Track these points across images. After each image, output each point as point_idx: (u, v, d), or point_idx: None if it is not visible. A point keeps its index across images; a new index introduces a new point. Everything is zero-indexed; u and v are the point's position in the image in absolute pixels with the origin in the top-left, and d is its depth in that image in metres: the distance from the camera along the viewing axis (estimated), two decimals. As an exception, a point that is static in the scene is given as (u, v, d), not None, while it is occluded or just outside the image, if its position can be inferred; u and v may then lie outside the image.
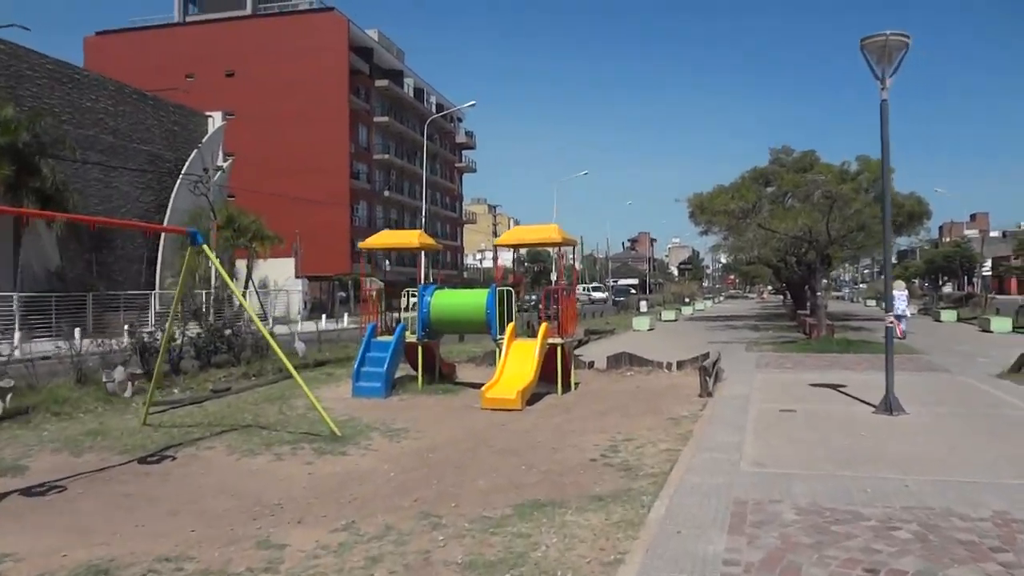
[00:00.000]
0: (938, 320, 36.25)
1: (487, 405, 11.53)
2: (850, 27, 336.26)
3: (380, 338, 13.87)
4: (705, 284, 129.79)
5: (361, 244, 14.53)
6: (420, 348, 13.81)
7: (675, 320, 39.87)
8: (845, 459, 7.74)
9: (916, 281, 66.66)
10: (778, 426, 9.65)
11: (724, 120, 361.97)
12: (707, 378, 12.45)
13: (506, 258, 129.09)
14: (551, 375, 13.12)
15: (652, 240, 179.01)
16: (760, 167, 39.77)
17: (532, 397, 12.22)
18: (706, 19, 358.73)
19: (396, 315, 14.77)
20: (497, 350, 12.92)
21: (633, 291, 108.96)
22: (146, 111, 40.33)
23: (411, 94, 76.16)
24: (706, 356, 15.84)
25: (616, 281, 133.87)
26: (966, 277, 72.09)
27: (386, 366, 13.05)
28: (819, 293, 22.48)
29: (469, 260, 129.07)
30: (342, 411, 11.52)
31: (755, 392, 12.66)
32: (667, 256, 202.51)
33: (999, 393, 12.40)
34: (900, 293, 28.17)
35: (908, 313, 29.41)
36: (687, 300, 59.64)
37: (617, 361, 16.51)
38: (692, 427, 9.68)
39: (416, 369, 14.33)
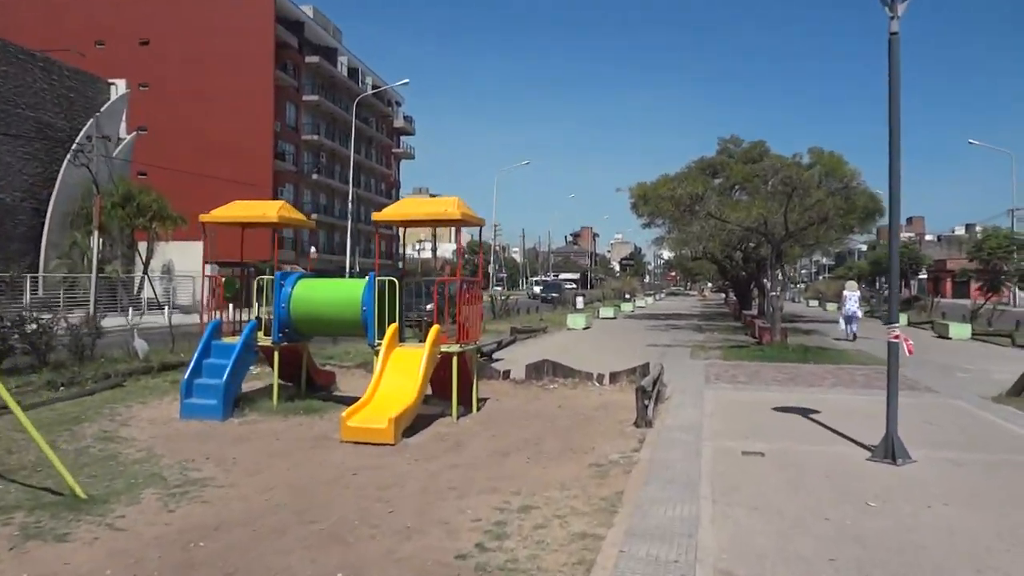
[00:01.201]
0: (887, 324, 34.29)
1: (349, 436, 8.44)
2: (806, 19, 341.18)
3: (226, 339, 10.65)
4: (647, 280, 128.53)
5: (202, 217, 11.23)
6: (277, 353, 10.63)
7: (614, 318, 37.25)
8: (862, 559, 4.89)
9: (861, 283, 65.74)
10: (745, 484, 6.77)
11: (672, 115, 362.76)
12: (645, 403, 9.54)
13: (444, 249, 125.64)
14: (449, 390, 10.13)
15: (595, 235, 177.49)
16: (708, 157, 37.51)
17: (416, 422, 9.18)
18: (653, 10, 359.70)
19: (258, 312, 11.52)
20: (375, 360, 9.79)
21: (571, 286, 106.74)
22: (34, 73, 35.95)
23: (345, 73, 72.16)
24: (646, 368, 12.99)
25: (555, 275, 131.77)
26: (903, 280, 71.36)
27: (225, 377, 9.83)
28: (774, 293, 19.94)
29: (409, 251, 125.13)
30: (146, 441, 8.31)
31: (708, 420, 9.81)
32: (610, 252, 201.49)
33: (1011, 426, 9.77)
34: (852, 294, 26.14)
35: (859, 315, 27.26)
36: (627, 296, 57.29)
37: (538, 371, 13.54)
38: (624, 484, 6.73)
39: (288, 379, 11.20)
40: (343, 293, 10.50)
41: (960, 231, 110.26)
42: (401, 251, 79.66)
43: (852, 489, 6.61)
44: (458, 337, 10.30)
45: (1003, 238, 29.79)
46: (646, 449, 8.01)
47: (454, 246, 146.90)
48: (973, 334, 25.95)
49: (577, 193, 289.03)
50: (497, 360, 17.38)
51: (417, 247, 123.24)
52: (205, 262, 11.62)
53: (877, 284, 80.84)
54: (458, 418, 9.90)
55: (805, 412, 10.39)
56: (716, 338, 24.85)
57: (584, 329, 28.67)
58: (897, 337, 7.97)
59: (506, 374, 13.66)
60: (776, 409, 10.66)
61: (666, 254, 79.18)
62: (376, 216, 10.47)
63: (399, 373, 9.31)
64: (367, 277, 10.20)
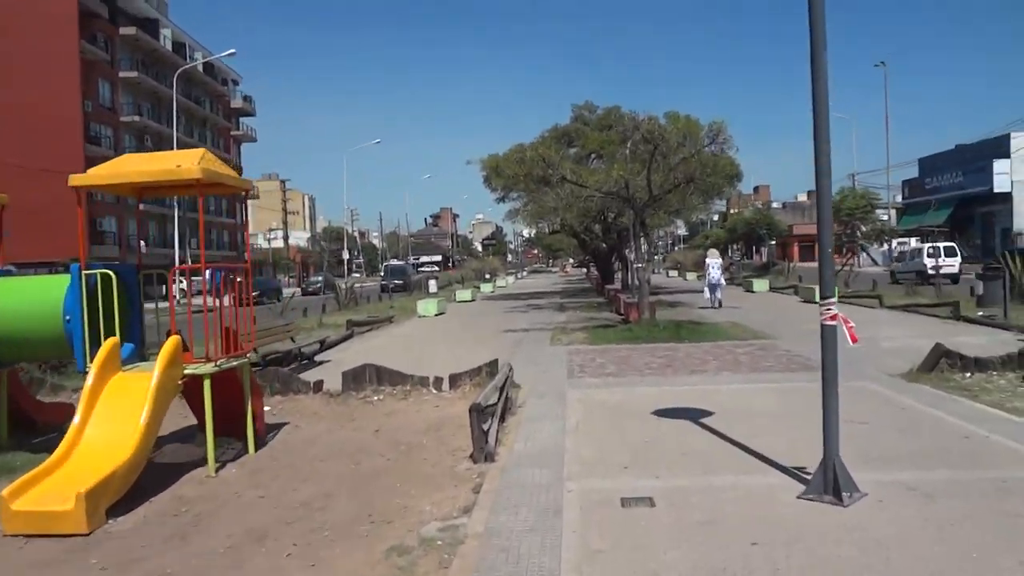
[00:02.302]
0: (750, 290, 33.47)
1: (16, 528, 5.28)
2: None
3: None
4: (510, 259, 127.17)
5: (74, 179, 7.12)
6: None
7: (471, 300, 34.65)
8: None
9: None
10: (635, 572, 4.15)
11: (527, 88, 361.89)
12: (484, 427, 6.80)
13: (298, 237, 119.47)
14: (233, 423, 7.10)
15: (455, 216, 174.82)
16: (562, 125, 35.47)
17: (155, 480, 6.10)
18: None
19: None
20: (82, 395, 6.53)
21: (433, 268, 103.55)
22: None
23: (170, 47, 65.67)
24: (494, 367, 10.32)
25: (417, 258, 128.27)
26: (754, 246, 72.98)
27: None
28: (639, 265, 17.79)
29: (259, 240, 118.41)
30: None
31: (571, 440, 7.22)
32: (471, 233, 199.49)
33: (954, 420, 7.72)
34: (715, 262, 25.28)
35: (723, 282, 26.02)
36: (487, 277, 54.97)
37: (358, 379, 10.60)
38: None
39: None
40: (33, 297, 7.12)
41: (803, 198, 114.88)
42: (284, 243, 73.29)
43: (798, 566, 4.12)
44: (223, 348, 7.23)
45: (859, 198, 29.23)
46: (479, 511, 5.26)
47: (307, 233, 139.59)
48: (839, 297, 25.00)
49: (434, 173, 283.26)
50: (322, 363, 14.32)
51: (269, 235, 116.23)
52: (26, 263, 7.96)
53: (730, 252, 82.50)
54: (217, 470, 6.83)
55: (695, 416, 8.00)
56: (579, 317, 22.64)
57: (436, 316, 25.87)
58: (834, 318, 5.56)
59: (318, 386, 10.64)
60: (658, 413, 8.21)
61: (525, 231, 77.56)
62: (75, 180, 7.02)
63: (113, 413, 6.16)
64: (71, 272, 6.86)
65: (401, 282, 44.23)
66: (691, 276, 46.91)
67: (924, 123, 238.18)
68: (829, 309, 5.50)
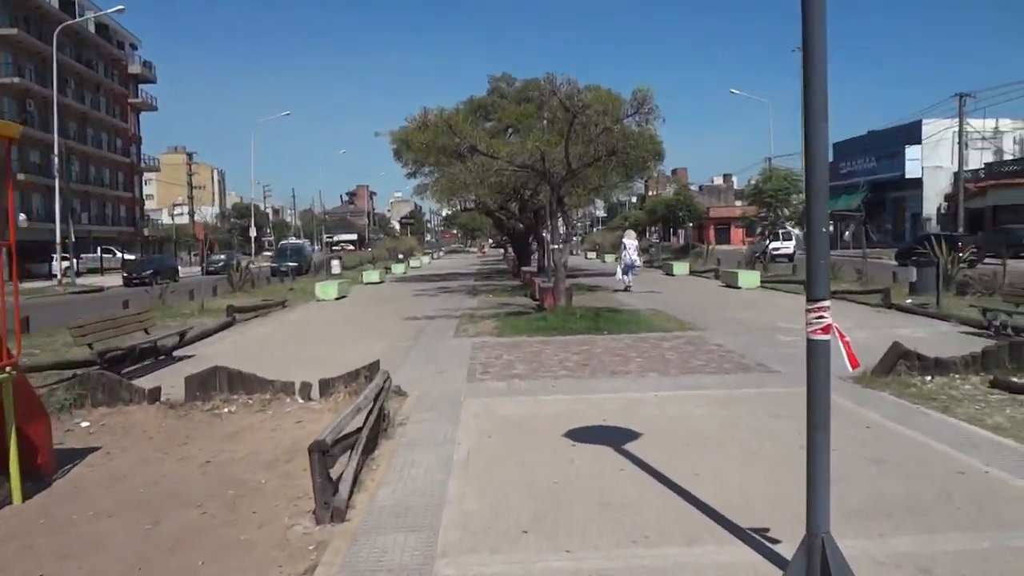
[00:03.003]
0: (670, 274, 32.39)
1: None
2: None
3: None
4: (428, 239, 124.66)
5: None
6: None
7: (379, 283, 32.51)
8: None
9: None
10: None
11: (448, 63, 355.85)
12: (332, 476, 4.91)
13: (205, 212, 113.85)
14: None
15: (372, 193, 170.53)
16: (478, 97, 33.51)
17: None
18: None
19: None
20: None
21: (349, 247, 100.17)
22: None
23: (56, 4, 60.49)
24: (374, 369, 8.45)
25: (331, 236, 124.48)
26: (671, 228, 72.64)
27: None
28: (556, 247, 16.11)
29: (164, 217, 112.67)
30: None
31: (456, 484, 5.40)
32: (389, 211, 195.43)
33: (938, 444, 6.26)
34: (631, 243, 24.67)
35: (639, 263, 25.65)
36: (401, 257, 52.71)
37: (205, 387, 8.53)
38: None
39: None
40: None
41: (719, 181, 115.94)
42: (142, 214, 68.48)
43: None
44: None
45: (782, 179, 28.30)
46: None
47: (215, 209, 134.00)
48: (762, 282, 24.02)
49: (349, 149, 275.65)
50: (183, 359, 12.14)
51: (175, 211, 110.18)
52: None
53: (648, 234, 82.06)
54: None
55: (619, 439, 6.31)
56: (491, 303, 20.89)
57: (337, 300, 23.72)
58: (827, 331, 3.85)
59: (155, 394, 8.54)
60: (573, 436, 6.49)
61: (438, 209, 75.43)
62: None
63: None
64: None
65: (296, 264, 38.65)
66: (609, 258, 45.73)
67: (841, 109, 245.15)
68: (821, 317, 3.75)
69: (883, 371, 8.55)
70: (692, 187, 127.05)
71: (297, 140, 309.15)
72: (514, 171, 16.28)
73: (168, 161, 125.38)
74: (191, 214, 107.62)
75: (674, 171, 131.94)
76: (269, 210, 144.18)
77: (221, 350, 12.94)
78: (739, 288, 23.45)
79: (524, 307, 19.01)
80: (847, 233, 60.44)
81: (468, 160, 18.32)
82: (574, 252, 71.20)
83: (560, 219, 16.54)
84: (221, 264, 48.71)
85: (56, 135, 41.30)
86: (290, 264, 37.84)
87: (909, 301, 16.98)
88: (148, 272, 40.24)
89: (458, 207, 33.24)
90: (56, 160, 41.12)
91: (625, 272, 24.05)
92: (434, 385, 9.07)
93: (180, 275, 46.77)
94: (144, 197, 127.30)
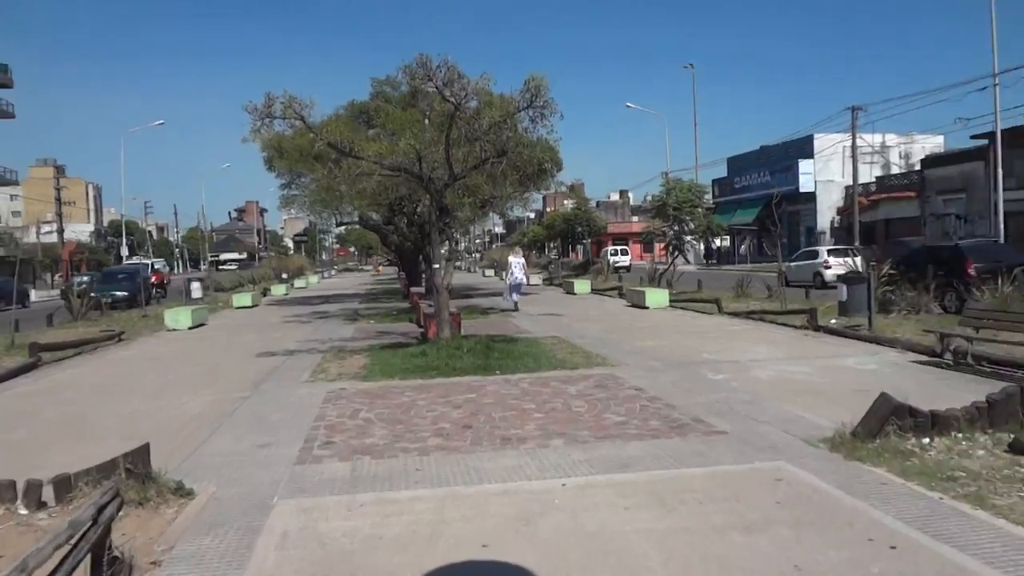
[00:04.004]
0: (571, 292, 30.24)
1: None
2: None
3: None
4: (324, 257, 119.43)
5: None
6: None
7: (252, 306, 29.00)
8: None
9: (531, 250, 63.38)
10: None
11: (331, 68, 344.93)
12: None
13: (80, 231, 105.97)
14: None
15: (262, 210, 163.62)
16: (360, 101, 30.65)
17: None
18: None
19: None
20: None
21: (232, 267, 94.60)
22: None
23: None
24: (139, 459, 5.57)
25: (217, 255, 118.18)
26: (569, 244, 71.23)
27: None
28: (437, 266, 13.43)
29: (32, 235, 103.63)
30: None
31: None
32: (283, 228, 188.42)
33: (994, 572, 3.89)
34: (517, 260, 23.84)
35: (526, 282, 24.58)
36: (284, 277, 48.94)
37: None
38: None
39: None
40: None
41: (615, 196, 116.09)
42: (58, 237, 61.76)
43: None
44: None
45: (686, 191, 26.58)
46: None
47: (91, 227, 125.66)
48: (671, 301, 22.03)
49: (235, 164, 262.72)
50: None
51: (43, 228, 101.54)
52: None
53: (546, 250, 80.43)
54: None
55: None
56: (370, 331, 18.03)
57: (192, 328, 20.32)
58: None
59: None
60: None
61: (330, 225, 71.55)
62: None
63: None
64: None
65: (125, 294, 30.37)
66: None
67: (732, 125, 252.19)
68: None
69: (869, 433, 6.26)
70: (589, 203, 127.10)
71: (178, 154, 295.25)
72: (384, 175, 13.52)
73: (37, 175, 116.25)
74: (60, 232, 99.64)
75: (572, 186, 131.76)
76: (153, 228, 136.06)
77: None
78: (647, 308, 21.40)
79: (406, 335, 16.27)
80: (742, 247, 60.33)
81: (340, 165, 15.46)
82: (471, 270, 68.73)
83: (441, 232, 13.91)
84: (84, 286, 43.69)
85: None
86: (116, 294, 30.20)
87: (834, 322, 15.16)
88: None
89: (334, 221, 30.10)
90: None
91: (512, 291, 22.88)
92: (244, 472, 6.25)
93: (31, 300, 41.73)
94: (7, 213, 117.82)
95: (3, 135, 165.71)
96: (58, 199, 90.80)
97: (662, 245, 41.00)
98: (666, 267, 27.83)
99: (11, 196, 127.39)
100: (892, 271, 17.55)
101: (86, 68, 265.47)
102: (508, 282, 23.58)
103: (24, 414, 9.23)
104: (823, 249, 30.41)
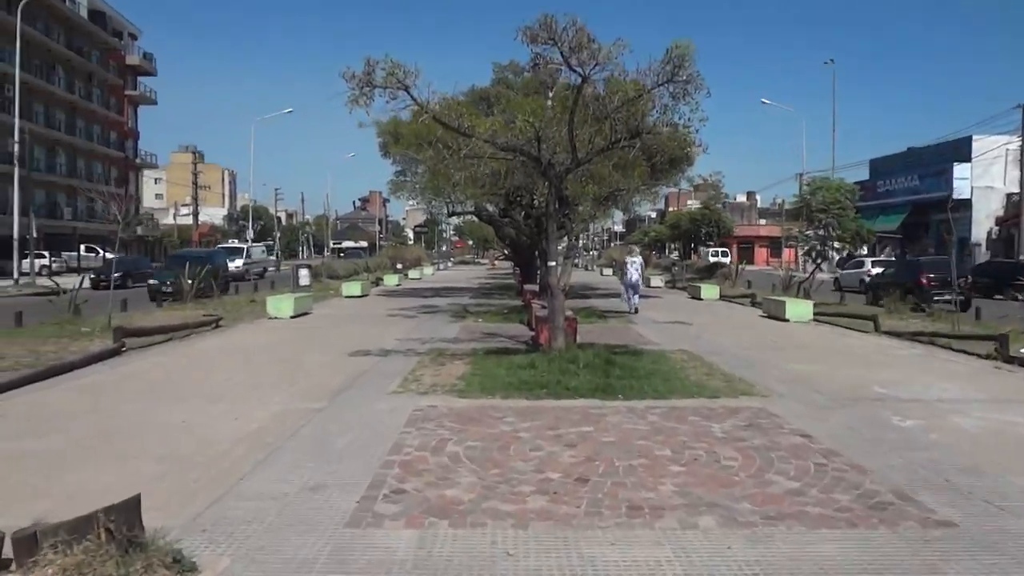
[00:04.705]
0: (697, 297, 27.80)
1: None
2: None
3: None
4: (443, 249, 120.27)
5: None
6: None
7: (361, 296, 28.08)
8: None
9: (651, 250, 60.46)
10: None
11: (451, 54, 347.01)
12: None
13: (214, 214, 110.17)
14: None
15: (385, 200, 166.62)
16: (481, 87, 29.26)
17: None
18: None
19: None
20: None
21: (359, 256, 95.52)
22: None
23: (43, -14, 56.73)
24: (116, 520, 3.94)
25: (339, 243, 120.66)
26: (691, 246, 67.91)
27: None
28: (553, 263, 11.59)
29: (169, 217, 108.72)
30: None
31: None
32: (405, 219, 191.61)
33: None
34: (634, 260, 22.80)
35: (641, 283, 23.45)
36: (399, 266, 48.38)
37: None
38: None
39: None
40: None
41: (742, 198, 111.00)
42: (131, 212, 64.26)
43: None
44: None
45: (835, 191, 23.68)
46: None
47: (224, 211, 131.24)
48: (815, 314, 19.39)
49: (362, 154, 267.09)
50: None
51: (181, 211, 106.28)
52: None
53: (668, 250, 77.22)
54: None
55: None
56: (477, 331, 16.44)
57: (294, 318, 19.33)
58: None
59: None
60: None
61: (444, 215, 70.89)
62: None
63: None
64: None
65: (171, 281, 24.13)
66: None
67: (873, 125, 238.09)
68: None
69: None
70: (725, 199, 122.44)
71: (307, 143, 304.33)
72: (497, 158, 11.81)
73: (178, 160, 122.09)
74: (195, 215, 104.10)
75: (696, 186, 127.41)
76: (282, 214, 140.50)
77: (40, 403, 8.58)
78: (787, 321, 18.88)
79: (515, 339, 14.55)
80: (882, 256, 55.37)
81: (451, 148, 13.86)
82: (588, 268, 66.56)
83: (560, 226, 12.07)
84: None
85: (16, 117, 37.37)
86: (167, 282, 24.54)
87: (1026, 352, 12.38)
88: (117, 274, 35.81)
89: (446, 210, 28.74)
90: (16, 146, 37.10)
91: (630, 292, 22.09)
92: (275, 536, 4.59)
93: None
94: (151, 196, 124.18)
95: (146, 121, 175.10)
96: (194, 183, 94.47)
97: (794, 251, 37.82)
98: (806, 276, 25.03)
99: (155, 180, 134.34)
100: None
101: (222, 55, 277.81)
102: (625, 283, 22.73)
103: (67, 414, 8.01)
104: (868, 260, 35.93)
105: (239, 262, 42.49)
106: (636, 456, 6.36)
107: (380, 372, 10.78)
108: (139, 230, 76.08)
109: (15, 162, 36.92)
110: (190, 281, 22.38)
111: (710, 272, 41.52)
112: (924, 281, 23.12)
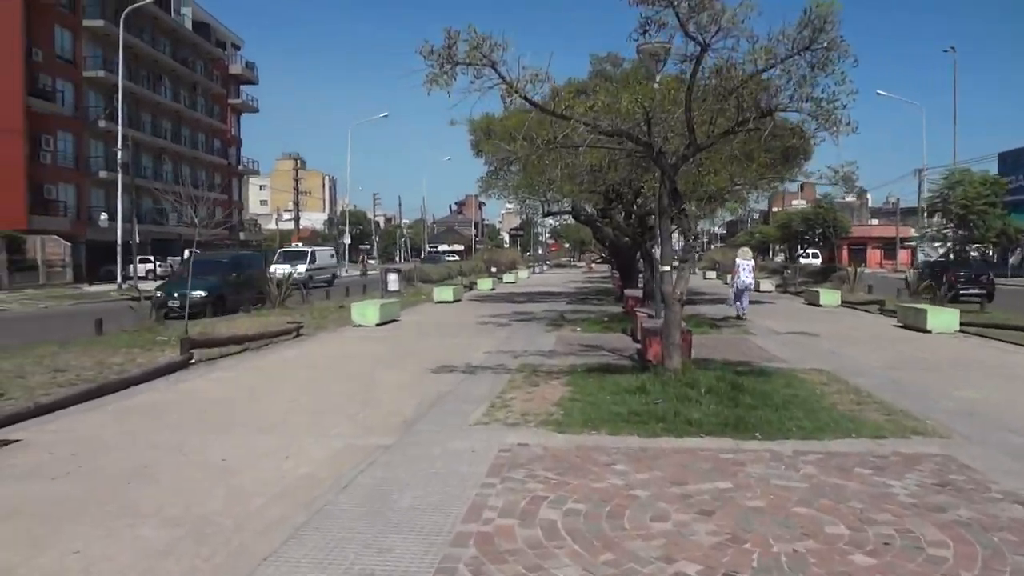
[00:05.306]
0: (815, 303, 25.33)
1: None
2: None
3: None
4: (539, 252, 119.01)
5: None
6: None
7: (454, 301, 26.85)
8: None
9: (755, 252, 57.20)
10: None
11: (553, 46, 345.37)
12: None
13: (315, 219, 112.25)
14: None
15: (481, 203, 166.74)
16: (578, 80, 27.56)
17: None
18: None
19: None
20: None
21: (453, 257, 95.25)
22: None
23: (152, -1, 58.32)
24: None
25: (436, 247, 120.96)
26: (797, 248, 64.09)
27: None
28: (666, 269, 9.79)
29: (272, 223, 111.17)
30: None
31: None
32: (500, 222, 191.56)
33: None
34: (746, 263, 21.10)
35: (752, 286, 21.85)
36: (493, 270, 47.22)
37: None
38: None
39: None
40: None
41: (851, 198, 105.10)
42: (240, 218, 64.78)
43: None
44: None
45: (978, 184, 20.91)
46: None
47: (324, 215, 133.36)
48: (962, 325, 16.88)
49: (457, 157, 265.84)
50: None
51: (283, 216, 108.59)
52: None
53: (771, 252, 73.41)
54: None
55: None
56: (575, 342, 14.82)
57: (380, 325, 18.18)
58: None
59: None
60: None
61: (539, 217, 69.28)
62: None
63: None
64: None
65: (204, 294, 20.94)
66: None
67: (999, 116, 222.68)
68: None
69: None
70: (801, 203, 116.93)
71: (404, 146, 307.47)
72: (599, 146, 10.17)
73: (282, 167, 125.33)
74: (296, 220, 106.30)
75: (802, 186, 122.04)
76: (381, 218, 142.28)
77: (74, 430, 7.47)
78: (928, 332, 16.48)
79: (618, 353, 12.88)
80: (1012, 258, 50.41)
81: (553, 139, 12.29)
82: (692, 270, 63.12)
83: (673, 225, 10.34)
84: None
85: (120, 125, 37.99)
86: (196, 294, 19.17)
87: None
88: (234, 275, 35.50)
89: (541, 210, 27.11)
90: (120, 153, 37.72)
91: (737, 298, 20.55)
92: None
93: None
94: (256, 203, 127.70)
95: (248, 129, 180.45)
96: (296, 189, 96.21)
97: (910, 252, 34.56)
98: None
99: (259, 187, 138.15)
100: None
101: (319, 61, 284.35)
102: (734, 286, 21.10)
103: (95, 446, 6.84)
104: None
105: (302, 267, 38.46)
106: (799, 535, 4.62)
107: (463, 395, 9.30)
108: (242, 235, 77.74)
109: (119, 169, 37.52)
110: (201, 294, 20.35)
111: (824, 276, 38.57)
112: None
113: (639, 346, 13.33)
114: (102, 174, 49.92)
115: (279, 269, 36.03)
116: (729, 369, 10.31)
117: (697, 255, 68.85)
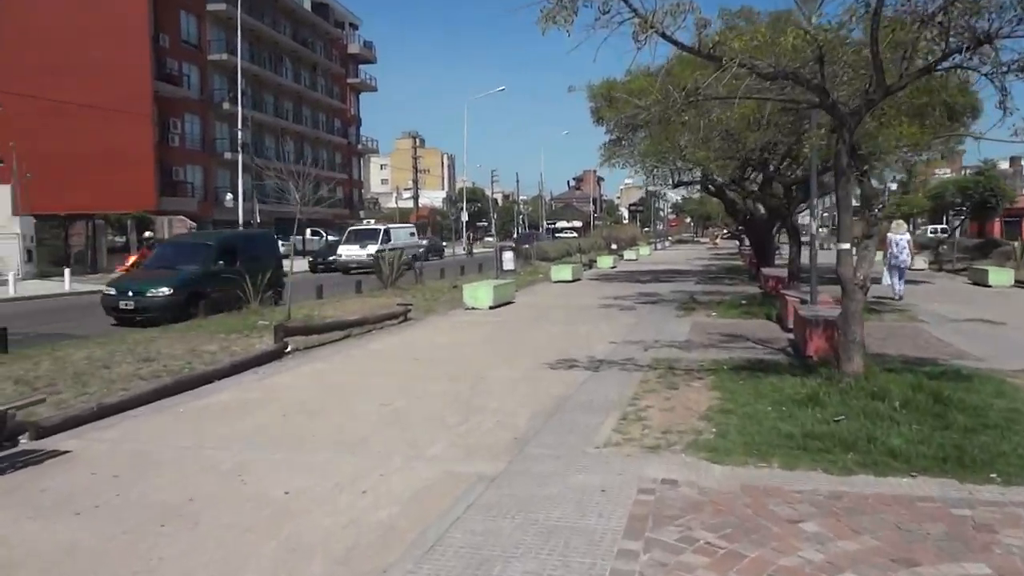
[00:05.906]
0: (982, 284, 22.19)
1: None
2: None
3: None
4: (660, 227, 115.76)
5: None
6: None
7: (572, 281, 25.22)
8: None
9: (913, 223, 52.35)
10: None
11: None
12: None
13: (434, 197, 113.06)
14: None
15: (599, 179, 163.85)
16: (708, 36, 25.24)
17: None
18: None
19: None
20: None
21: (572, 234, 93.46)
22: None
23: (270, -19, 59.10)
24: None
25: (554, 223, 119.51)
26: (945, 219, 58.63)
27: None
28: (846, 245, 7.78)
29: (392, 201, 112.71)
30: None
31: None
32: (619, 198, 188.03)
33: None
34: (901, 237, 19.01)
35: (909, 263, 19.65)
36: (613, 247, 45.28)
37: None
38: None
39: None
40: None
41: (1004, 165, 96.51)
42: (360, 197, 65.34)
43: None
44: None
45: None
46: None
47: (443, 193, 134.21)
48: None
49: (574, 131, 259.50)
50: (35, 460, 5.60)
51: (403, 195, 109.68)
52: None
53: (913, 226, 67.78)
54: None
55: None
56: (713, 329, 12.94)
57: (493, 308, 16.83)
58: None
59: None
60: None
61: (663, 191, 66.56)
62: None
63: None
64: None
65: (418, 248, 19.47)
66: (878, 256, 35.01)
67: None
68: None
69: None
70: (967, 171, 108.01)
71: (521, 122, 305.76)
72: (755, 96, 8.31)
73: (401, 146, 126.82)
74: (415, 198, 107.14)
75: (943, 155, 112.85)
76: (499, 195, 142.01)
77: (126, 440, 6.38)
78: None
79: (767, 346, 10.96)
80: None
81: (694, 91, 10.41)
82: (824, 246, 58.80)
83: (852, 189, 8.33)
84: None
85: (240, 107, 38.25)
86: (157, 292, 15.69)
87: None
88: (332, 258, 35.78)
89: (670, 181, 24.92)
90: (240, 133, 38.02)
91: (895, 275, 18.65)
92: None
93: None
94: (377, 182, 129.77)
95: (367, 108, 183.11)
96: (415, 168, 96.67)
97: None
98: None
99: (380, 166, 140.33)
100: None
101: (436, 39, 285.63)
102: (889, 263, 19.16)
103: (141, 464, 5.69)
104: None
105: (372, 248, 32.47)
106: None
107: (587, 401, 7.71)
108: (362, 214, 78.62)
109: (239, 149, 37.85)
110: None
111: (982, 251, 34.58)
112: None
113: (791, 337, 11.37)
114: (227, 155, 50.89)
115: (345, 251, 34.59)
116: (919, 372, 8.26)
117: (826, 230, 64.44)
